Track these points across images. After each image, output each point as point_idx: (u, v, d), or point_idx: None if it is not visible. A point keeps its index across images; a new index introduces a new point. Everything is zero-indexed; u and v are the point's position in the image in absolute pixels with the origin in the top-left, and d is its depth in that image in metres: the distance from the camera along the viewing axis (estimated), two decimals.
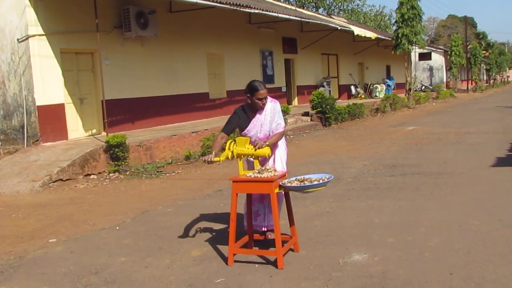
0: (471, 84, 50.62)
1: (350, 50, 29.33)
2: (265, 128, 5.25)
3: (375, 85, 30.67)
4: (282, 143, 5.45)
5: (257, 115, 5.26)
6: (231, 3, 14.83)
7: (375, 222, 6.02)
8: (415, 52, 34.88)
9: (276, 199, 4.74)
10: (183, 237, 5.82)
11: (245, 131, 5.30)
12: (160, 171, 10.59)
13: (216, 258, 5.02)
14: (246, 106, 5.31)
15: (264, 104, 5.22)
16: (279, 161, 5.31)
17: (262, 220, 5.39)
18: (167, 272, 4.74)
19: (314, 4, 46.85)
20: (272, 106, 5.30)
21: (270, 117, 5.26)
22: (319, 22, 22.13)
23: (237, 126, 5.33)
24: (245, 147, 4.98)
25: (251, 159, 5.23)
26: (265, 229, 5.38)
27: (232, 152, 4.95)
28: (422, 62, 46.33)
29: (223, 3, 14.43)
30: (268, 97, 5.33)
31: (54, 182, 9.50)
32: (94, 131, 13.37)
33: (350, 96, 28.97)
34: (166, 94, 15.58)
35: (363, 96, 28.83)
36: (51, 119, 11.96)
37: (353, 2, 50.37)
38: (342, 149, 12.55)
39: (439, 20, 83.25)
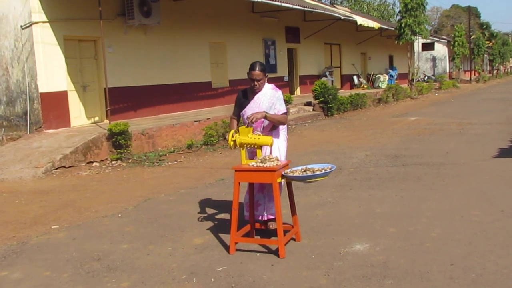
0: (474, 74, 50.43)
1: (353, 40, 29.22)
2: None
3: (377, 75, 30.57)
4: (282, 134, 5.43)
5: (255, 98, 5.29)
6: None
7: (377, 212, 6.03)
8: (418, 42, 34.73)
9: (279, 189, 4.76)
10: (185, 225, 5.84)
11: (242, 111, 5.34)
12: (162, 160, 10.60)
13: (218, 247, 5.04)
14: (248, 89, 5.36)
15: (255, 86, 5.20)
16: (276, 151, 5.29)
17: (262, 209, 5.41)
18: (169, 259, 4.77)
19: None
20: (273, 93, 5.30)
21: (268, 102, 5.25)
22: (322, 11, 22.03)
23: (240, 107, 5.39)
24: (248, 136, 4.99)
25: (254, 148, 5.23)
26: (266, 218, 5.39)
27: (235, 141, 4.97)
28: (425, 52, 46.18)
29: None
30: (272, 85, 5.37)
31: (56, 169, 9.53)
32: (96, 118, 13.38)
33: (352, 86, 28.90)
34: (169, 83, 15.57)
35: (365, 86, 28.77)
36: (54, 106, 11.97)
37: None
38: (344, 139, 12.55)
39: (442, 10, 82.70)
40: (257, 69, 5.16)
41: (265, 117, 5.07)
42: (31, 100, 11.68)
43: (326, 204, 6.52)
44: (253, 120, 4.96)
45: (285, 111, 5.38)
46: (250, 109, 5.27)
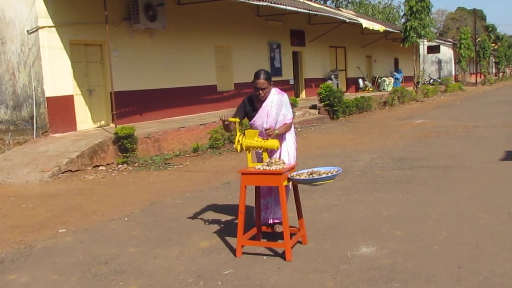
0: (480, 77, 50.32)
1: (358, 43, 29.21)
2: (270, 120, 5.25)
3: (383, 78, 30.52)
4: (290, 137, 5.44)
5: (263, 106, 5.26)
6: None
7: (383, 215, 6.02)
8: (424, 45, 34.62)
9: (285, 192, 4.76)
10: (191, 229, 5.85)
11: (251, 121, 5.32)
12: (168, 163, 10.62)
13: (225, 250, 5.05)
14: (254, 96, 5.33)
15: (259, 95, 5.19)
16: (286, 154, 5.31)
17: (270, 212, 5.42)
18: (176, 263, 4.78)
19: None
20: (279, 98, 5.29)
21: (276, 109, 5.25)
22: (327, 14, 22.04)
23: (244, 114, 5.36)
24: (254, 139, 5.00)
25: (260, 151, 5.25)
26: (272, 221, 5.40)
27: (241, 144, 4.98)
28: (430, 55, 45.99)
29: None
30: (277, 89, 5.35)
31: (63, 173, 9.56)
32: (102, 122, 13.42)
33: (358, 89, 28.86)
34: (174, 86, 15.61)
35: (371, 89, 28.73)
36: (60, 110, 12.01)
37: None
38: (350, 142, 12.54)
39: (447, 13, 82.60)
40: (261, 77, 5.15)
41: (277, 134, 5.09)
42: (38, 105, 11.73)
43: (332, 207, 6.52)
44: (271, 134, 5.00)
45: (291, 117, 5.36)
46: (259, 118, 5.27)
